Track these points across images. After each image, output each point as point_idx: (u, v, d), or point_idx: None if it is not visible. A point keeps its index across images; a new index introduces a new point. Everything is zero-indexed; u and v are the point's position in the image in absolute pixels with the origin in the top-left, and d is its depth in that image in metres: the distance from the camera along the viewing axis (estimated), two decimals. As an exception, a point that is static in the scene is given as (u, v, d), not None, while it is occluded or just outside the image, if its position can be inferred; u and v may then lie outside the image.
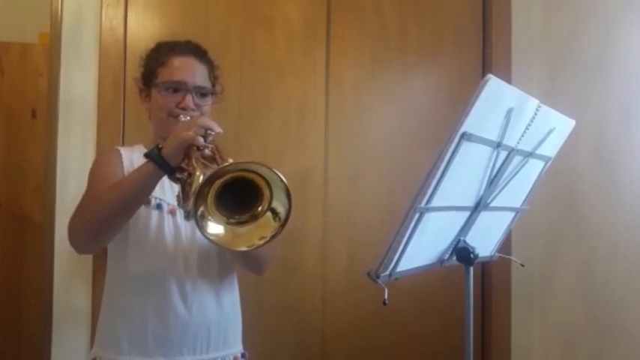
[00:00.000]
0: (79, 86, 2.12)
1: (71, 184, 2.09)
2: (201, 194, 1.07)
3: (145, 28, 2.19)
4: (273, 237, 1.14)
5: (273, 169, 1.10)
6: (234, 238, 1.14)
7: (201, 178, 1.12)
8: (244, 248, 1.16)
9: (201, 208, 1.08)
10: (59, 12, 2.12)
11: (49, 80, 2.14)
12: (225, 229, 1.12)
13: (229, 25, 2.24)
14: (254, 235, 1.14)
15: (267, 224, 1.14)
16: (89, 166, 2.07)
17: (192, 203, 1.09)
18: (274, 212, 1.14)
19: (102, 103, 2.12)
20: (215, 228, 1.11)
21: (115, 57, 2.14)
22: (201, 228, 1.10)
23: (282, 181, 1.11)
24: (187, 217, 1.13)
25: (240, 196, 1.11)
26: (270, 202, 1.13)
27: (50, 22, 2.13)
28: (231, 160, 1.18)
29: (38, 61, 2.53)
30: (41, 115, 2.45)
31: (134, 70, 2.06)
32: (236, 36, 2.24)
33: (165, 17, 2.21)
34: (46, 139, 2.14)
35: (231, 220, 1.13)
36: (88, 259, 2.07)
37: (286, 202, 1.13)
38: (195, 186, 1.11)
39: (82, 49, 2.13)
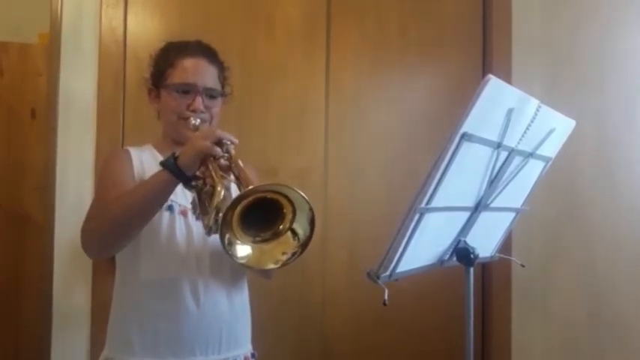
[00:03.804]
0: (78, 86, 2.12)
1: (71, 184, 2.09)
2: (225, 219, 1.06)
3: (144, 29, 2.18)
4: (293, 254, 1.14)
5: (302, 194, 1.10)
6: (261, 255, 1.14)
7: (223, 192, 1.13)
8: (272, 265, 1.16)
9: (228, 235, 1.08)
10: (59, 12, 2.11)
11: (49, 80, 2.13)
12: (253, 248, 1.13)
13: (229, 25, 2.24)
14: (277, 251, 1.15)
15: (287, 242, 1.14)
16: (89, 166, 2.09)
17: (214, 220, 1.10)
18: (294, 232, 1.14)
19: (101, 103, 2.12)
20: (243, 250, 1.12)
21: (115, 57, 2.13)
22: (232, 256, 1.10)
23: (310, 209, 1.11)
24: (208, 233, 1.13)
25: (261, 212, 1.10)
26: (291, 222, 1.13)
27: (50, 22, 2.13)
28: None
29: (38, 61, 2.52)
30: (41, 115, 2.44)
31: (134, 70, 2.06)
32: (236, 36, 2.24)
33: (165, 17, 2.21)
34: (45, 139, 2.13)
35: (257, 239, 1.13)
36: (89, 259, 2.06)
37: (308, 228, 1.13)
38: (216, 201, 1.12)
39: (82, 50, 2.13)
